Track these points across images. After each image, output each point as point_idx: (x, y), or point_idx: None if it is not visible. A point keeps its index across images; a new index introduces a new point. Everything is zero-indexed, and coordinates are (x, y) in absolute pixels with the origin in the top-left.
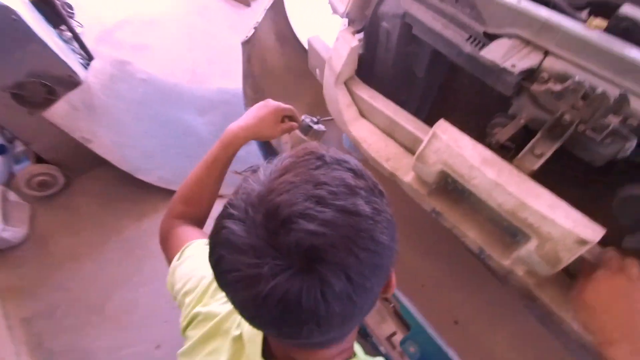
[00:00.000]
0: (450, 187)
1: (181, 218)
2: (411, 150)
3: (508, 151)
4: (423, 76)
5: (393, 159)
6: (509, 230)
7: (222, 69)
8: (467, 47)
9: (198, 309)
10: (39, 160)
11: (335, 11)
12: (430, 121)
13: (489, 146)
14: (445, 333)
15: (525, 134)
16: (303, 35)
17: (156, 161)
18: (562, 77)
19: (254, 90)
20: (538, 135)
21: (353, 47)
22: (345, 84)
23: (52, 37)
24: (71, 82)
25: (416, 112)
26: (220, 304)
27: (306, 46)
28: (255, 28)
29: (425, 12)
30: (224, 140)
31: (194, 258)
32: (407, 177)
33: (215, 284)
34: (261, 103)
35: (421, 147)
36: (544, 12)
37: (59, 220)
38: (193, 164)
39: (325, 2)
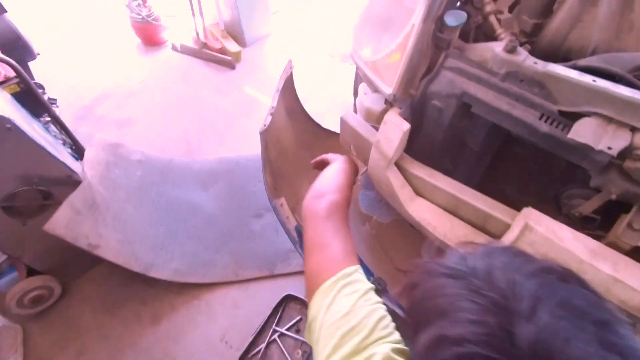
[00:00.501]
0: None
1: None
2: (481, 228)
3: (591, 222)
4: (478, 149)
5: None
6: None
7: (217, 136)
8: (544, 127)
9: None
10: (30, 272)
11: (379, 91)
12: (481, 189)
13: (569, 217)
14: None
15: (606, 206)
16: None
17: (167, 252)
18: None
19: (273, 175)
20: (634, 209)
21: (405, 130)
22: (396, 163)
23: (43, 134)
24: (71, 182)
25: (466, 181)
26: None
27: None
28: (271, 114)
29: (485, 92)
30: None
31: None
32: None
33: None
34: (335, 162)
35: (511, 239)
36: (624, 91)
37: (58, 338)
38: (206, 246)
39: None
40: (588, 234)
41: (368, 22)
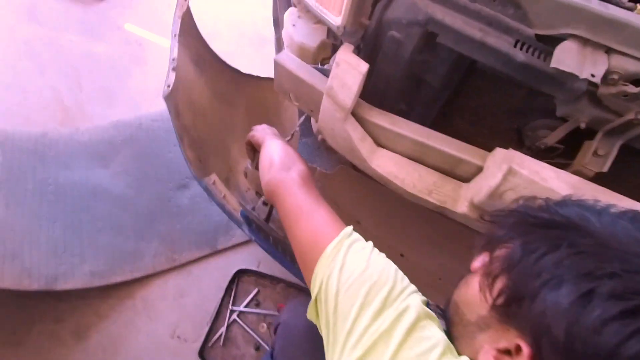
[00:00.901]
0: None
1: None
2: (449, 173)
3: (553, 151)
4: (438, 85)
5: (435, 191)
6: None
7: (103, 94)
8: (520, 56)
9: None
10: None
11: (321, 22)
12: (436, 128)
13: (532, 149)
14: None
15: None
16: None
17: (73, 255)
18: (632, 77)
19: (193, 147)
20: (599, 136)
21: (364, 73)
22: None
23: None
24: None
25: (422, 122)
26: None
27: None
28: (174, 69)
29: (454, 17)
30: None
31: None
32: (461, 207)
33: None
34: (271, 139)
35: (493, 185)
36: (601, 7)
37: None
38: (126, 235)
39: None
40: (550, 164)
41: None
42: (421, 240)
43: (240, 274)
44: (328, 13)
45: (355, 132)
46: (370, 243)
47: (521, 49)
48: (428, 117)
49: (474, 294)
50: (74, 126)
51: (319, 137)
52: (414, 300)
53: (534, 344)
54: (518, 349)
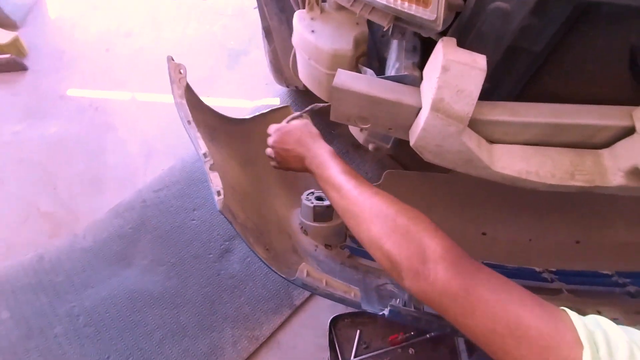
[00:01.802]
0: None
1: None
2: (582, 145)
3: None
4: (539, 49)
5: (577, 171)
6: None
7: (82, 181)
8: None
9: None
10: None
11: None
12: (526, 97)
13: None
14: None
15: None
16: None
17: None
18: None
19: (260, 241)
20: None
21: (484, 68)
22: None
23: None
24: None
25: (508, 95)
26: None
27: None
28: (212, 168)
29: None
30: (330, 156)
31: None
32: (614, 179)
33: None
34: (286, 135)
35: None
36: None
37: None
38: (194, 334)
39: None
40: None
41: None
42: (494, 216)
43: (334, 322)
44: (414, 8)
45: (472, 140)
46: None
47: None
48: (516, 89)
49: None
50: (68, 233)
51: (370, 146)
52: None
53: None
54: None
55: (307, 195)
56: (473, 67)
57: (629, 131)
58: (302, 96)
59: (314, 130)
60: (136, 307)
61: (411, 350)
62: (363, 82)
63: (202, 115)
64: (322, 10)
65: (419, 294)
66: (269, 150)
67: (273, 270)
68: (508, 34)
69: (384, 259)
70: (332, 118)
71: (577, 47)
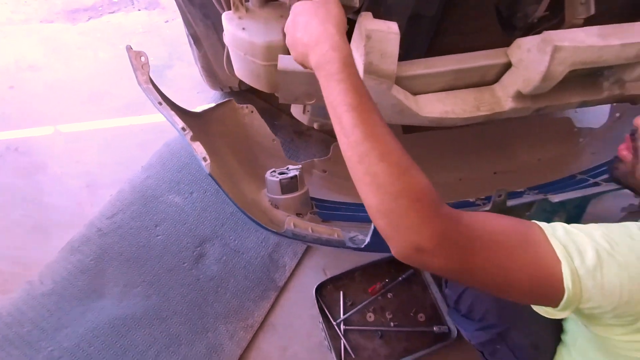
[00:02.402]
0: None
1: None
2: (479, 83)
3: (541, 22)
4: (434, 13)
5: (480, 105)
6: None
7: (24, 231)
8: None
9: None
10: None
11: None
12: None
13: (523, 29)
14: None
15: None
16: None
17: None
18: None
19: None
20: None
21: (397, 32)
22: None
23: None
24: None
25: (422, 53)
26: None
27: None
28: (192, 139)
29: None
30: (340, 68)
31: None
32: (507, 104)
33: None
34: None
35: (544, 69)
36: None
37: None
38: (189, 342)
39: None
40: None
41: None
42: (431, 167)
43: (318, 291)
44: None
45: (399, 93)
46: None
47: None
48: (423, 50)
49: None
50: (21, 284)
51: (315, 124)
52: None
53: None
54: None
55: (271, 173)
56: (389, 32)
57: (508, 65)
58: (238, 96)
59: (344, 20)
60: (121, 332)
61: (390, 295)
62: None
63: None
64: (247, 10)
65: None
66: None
67: (265, 228)
68: (409, 4)
69: (377, 223)
70: (281, 100)
71: (458, 8)
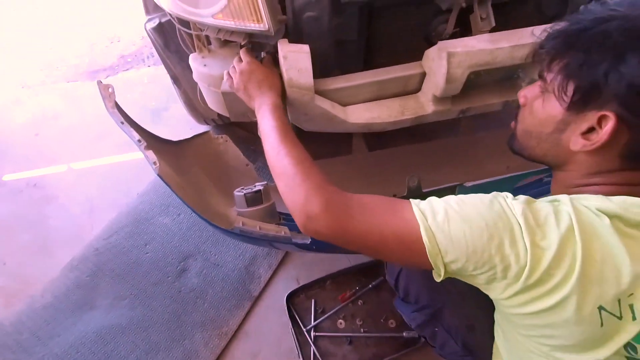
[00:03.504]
0: (467, 84)
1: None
2: (404, 93)
3: (454, 36)
4: (356, 37)
5: (405, 110)
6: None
7: (31, 250)
8: None
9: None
10: None
11: (246, 38)
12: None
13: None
14: None
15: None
16: None
17: None
18: None
19: (203, 209)
20: (476, 6)
21: (308, 52)
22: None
23: None
24: None
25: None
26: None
27: None
28: (147, 147)
29: None
30: (270, 109)
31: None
32: (429, 108)
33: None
34: (246, 75)
35: (445, 72)
36: None
37: None
38: (167, 348)
39: None
40: None
41: None
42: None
43: (290, 298)
44: (252, 25)
45: (325, 103)
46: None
47: None
48: (358, 69)
49: (541, 112)
50: (22, 299)
51: None
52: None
53: (619, 104)
54: (601, 120)
55: (238, 190)
56: (301, 52)
57: (425, 75)
58: (221, 128)
59: (277, 82)
60: (106, 340)
61: (360, 302)
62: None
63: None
64: (209, 51)
65: (314, 237)
66: (232, 71)
67: (212, 224)
68: (326, 31)
69: (285, 203)
70: (232, 119)
71: (385, 30)
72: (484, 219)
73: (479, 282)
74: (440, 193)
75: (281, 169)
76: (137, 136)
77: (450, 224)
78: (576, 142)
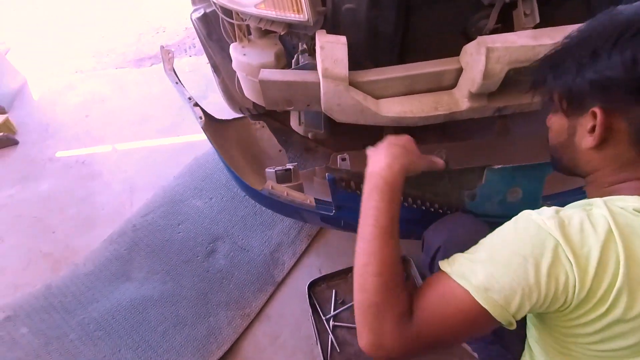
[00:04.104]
0: (505, 81)
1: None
2: (438, 88)
3: (497, 31)
4: (393, 29)
5: (438, 105)
6: None
7: (77, 222)
8: None
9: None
10: None
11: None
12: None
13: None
14: None
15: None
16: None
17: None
18: None
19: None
20: (520, 2)
21: (345, 43)
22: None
23: None
24: None
25: (390, 63)
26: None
27: None
28: (196, 105)
29: None
30: (383, 186)
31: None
32: (463, 104)
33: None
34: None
35: (482, 68)
36: None
37: None
38: (193, 323)
39: None
40: None
41: None
42: None
43: (311, 287)
44: (292, 15)
45: (358, 95)
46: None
47: None
48: (392, 64)
49: (555, 125)
50: (69, 265)
51: (310, 134)
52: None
53: (599, 99)
54: (595, 116)
55: (270, 168)
56: (338, 43)
57: (462, 71)
58: (256, 118)
59: (412, 167)
60: (138, 309)
61: None
62: (279, 74)
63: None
64: (249, 41)
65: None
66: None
67: (243, 183)
68: (363, 23)
69: (355, 312)
70: (266, 107)
71: (422, 25)
72: (519, 254)
73: (556, 314)
74: (467, 173)
75: (362, 276)
76: (188, 94)
77: (496, 279)
78: (587, 141)
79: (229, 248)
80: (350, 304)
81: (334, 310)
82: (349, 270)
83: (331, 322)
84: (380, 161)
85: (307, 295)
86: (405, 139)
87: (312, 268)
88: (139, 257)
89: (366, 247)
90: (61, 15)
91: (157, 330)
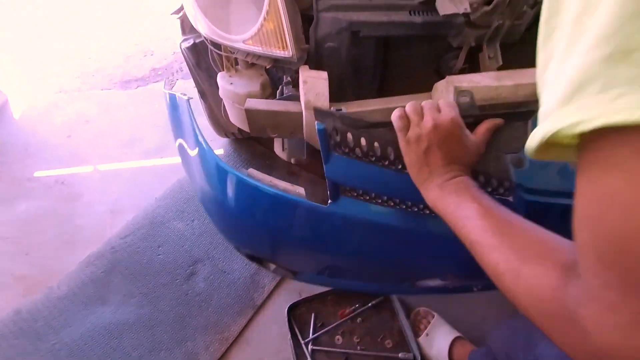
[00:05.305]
0: None
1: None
2: None
3: (463, 72)
4: (372, 66)
5: None
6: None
7: (55, 244)
8: (418, 19)
9: None
10: None
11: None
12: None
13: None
14: None
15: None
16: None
17: None
18: (484, 0)
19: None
20: (484, 46)
21: (326, 78)
22: None
23: None
24: None
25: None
26: None
27: None
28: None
29: (365, 15)
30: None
31: None
32: None
33: None
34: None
35: None
36: None
37: None
38: (169, 348)
39: None
40: None
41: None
42: None
43: (291, 311)
44: (278, 52)
45: None
46: None
47: (416, 14)
48: (372, 95)
49: None
50: (43, 288)
51: (292, 160)
52: None
53: None
54: None
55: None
56: (319, 78)
57: None
58: (239, 143)
59: (472, 158)
60: (113, 334)
61: (359, 320)
62: (264, 103)
63: None
64: (236, 71)
65: None
66: (414, 113)
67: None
68: (344, 60)
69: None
70: (251, 133)
71: (399, 62)
72: None
73: None
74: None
75: (516, 285)
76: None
77: None
78: None
79: (209, 271)
80: (330, 326)
81: (313, 334)
82: (328, 294)
83: (310, 346)
84: (430, 165)
85: (286, 319)
86: (448, 122)
87: (292, 291)
88: (117, 279)
89: (490, 242)
90: (45, 35)
91: (132, 355)
